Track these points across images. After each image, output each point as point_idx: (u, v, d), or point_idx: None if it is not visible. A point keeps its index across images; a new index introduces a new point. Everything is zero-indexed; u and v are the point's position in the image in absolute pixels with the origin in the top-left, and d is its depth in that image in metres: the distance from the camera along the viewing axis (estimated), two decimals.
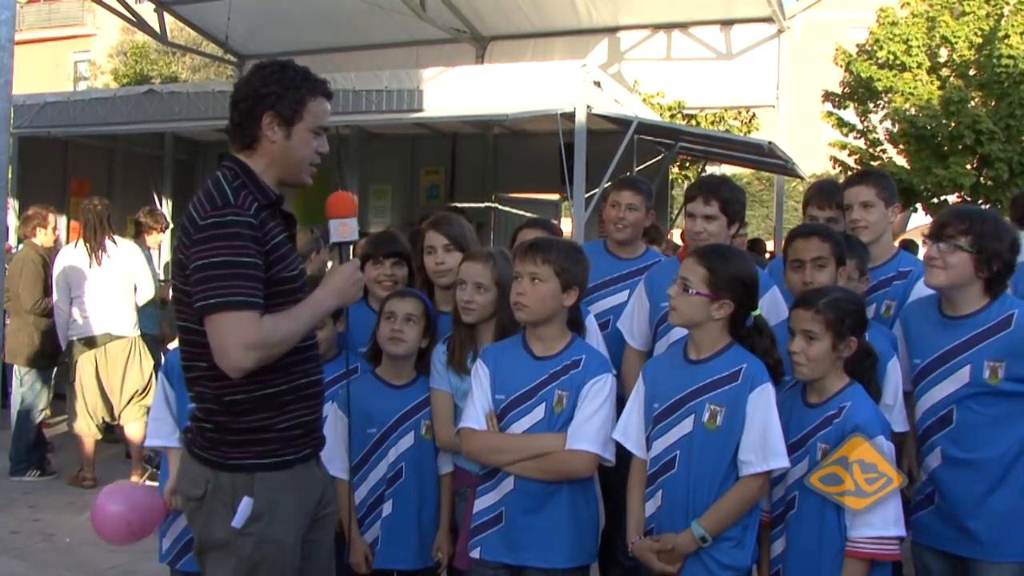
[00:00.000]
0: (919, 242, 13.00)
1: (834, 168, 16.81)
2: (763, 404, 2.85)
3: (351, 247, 2.83)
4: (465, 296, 3.31)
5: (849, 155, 16.52)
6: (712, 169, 14.58)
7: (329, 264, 4.95)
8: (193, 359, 2.62)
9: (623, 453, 3.12)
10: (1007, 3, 14.99)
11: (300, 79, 2.66)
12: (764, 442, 2.83)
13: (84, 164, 11.68)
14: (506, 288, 3.22)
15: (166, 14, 13.56)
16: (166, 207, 11.73)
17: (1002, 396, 3.03)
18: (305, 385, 2.68)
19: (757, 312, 2.96)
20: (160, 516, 3.40)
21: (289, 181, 2.72)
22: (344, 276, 2.71)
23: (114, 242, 6.72)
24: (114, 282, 6.64)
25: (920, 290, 3.58)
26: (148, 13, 13.50)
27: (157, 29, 13.53)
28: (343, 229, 2.79)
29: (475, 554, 3.08)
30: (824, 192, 4.25)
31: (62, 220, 10.20)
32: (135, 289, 6.80)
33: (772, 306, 3.63)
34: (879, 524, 2.75)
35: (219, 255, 2.44)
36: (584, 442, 2.99)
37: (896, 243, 4.68)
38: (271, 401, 2.59)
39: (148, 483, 3.60)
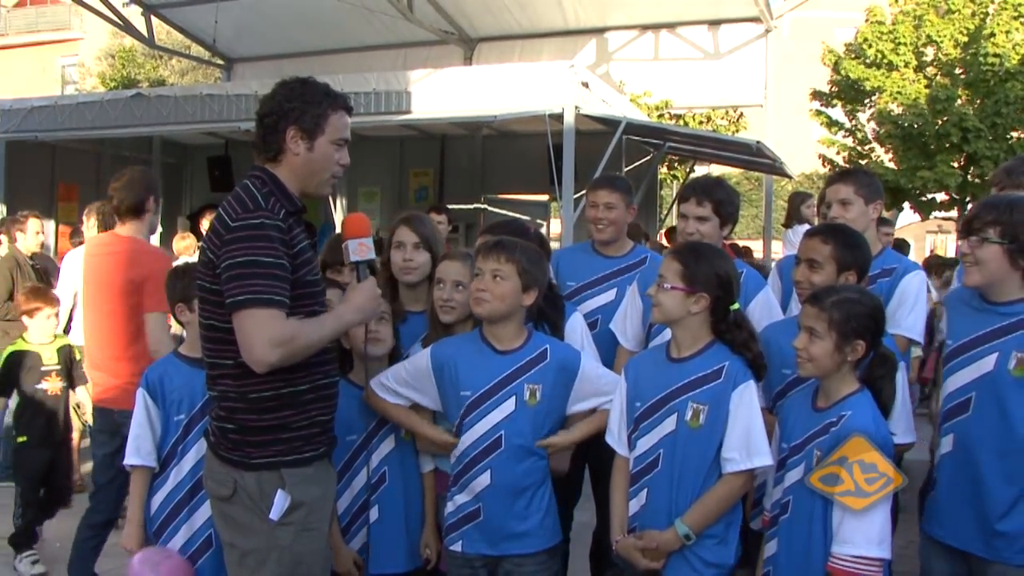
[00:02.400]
0: (912, 241, 13.10)
1: (824, 166, 16.86)
2: (746, 402, 2.86)
3: (368, 265, 2.92)
4: (444, 295, 3.35)
5: (837, 153, 16.58)
6: (701, 169, 14.60)
7: None
8: (218, 357, 2.73)
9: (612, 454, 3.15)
10: (992, 2, 15.06)
11: (321, 94, 2.79)
12: (748, 440, 2.84)
13: (72, 168, 11.67)
14: None
15: (153, 17, 13.56)
16: None
17: (1021, 390, 2.87)
18: (325, 385, 2.81)
19: (735, 307, 2.96)
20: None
21: (310, 192, 2.85)
22: (364, 293, 2.84)
23: None
24: None
25: (905, 289, 3.58)
26: (135, 17, 13.49)
27: (144, 33, 13.53)
28: (361, 249, 2.89)
29: (457, 548, 3.11)
30: None
31: (50, 224, 10.18)
32: None
33: (765, 306, 3.66)
34: (861, 543, 2.65)
35: (249, 255, 2.57)
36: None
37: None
38: (293, 399, 2.71)
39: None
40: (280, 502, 2.66)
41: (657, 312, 3.00)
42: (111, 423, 4.40)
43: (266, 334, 2.54)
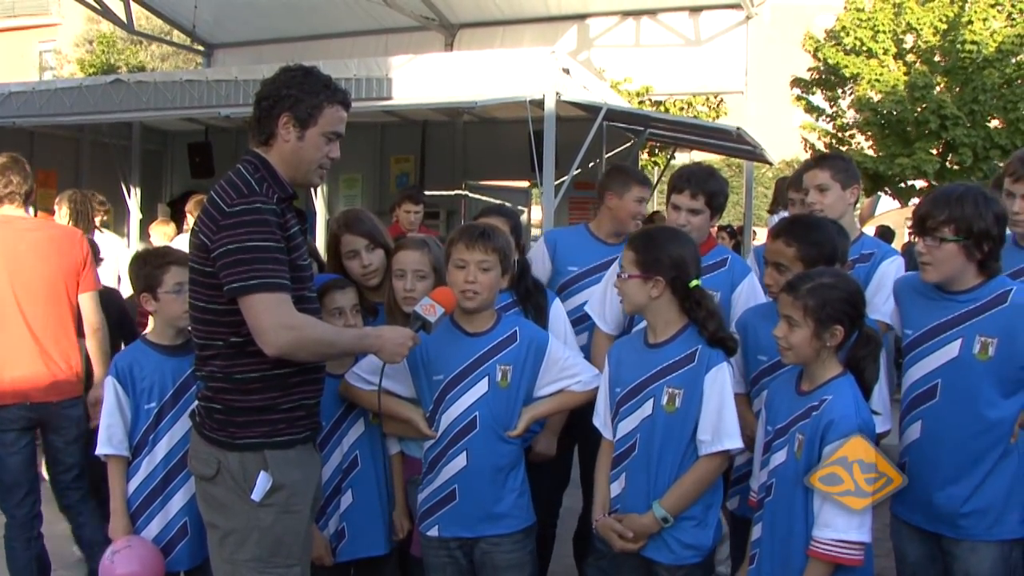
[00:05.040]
0: (894, 228, 13.17)
1: (805, 151, 16.94)
2: (719, 384, 2.90)
3: (423, 324, 2.92)
4: (407, 285, 3.37)
5: (819, 138, 16.67)
6: (682, 156, 14.62)
7: None
8: (208, 338, 2.74)
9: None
10: None
11: (320, 86, 2.80)
12: (719, 422, 2.88)
13: (50, 154, 11.56)
14: (441, 273, 3.28)
15: (132, 3, 13.42)
16: (134, 197, 11.63)
17: (986, 374, 2.91)
18: (311, 368, 2.82)
19: (695, 283, 2.98)
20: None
21: (297, 180, 2.85)
22: (398, 334, 2.85)
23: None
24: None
25: (883, 274, 3.61)
26: (114, 2, 13.34)
27: (123, 18, 13.39)
28: (430, 309, 2.92)
29: (433, 532, 3.13)
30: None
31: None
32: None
33: (751, 292, 3.70)
34: (841, 526, 2.66)
35: (251, 240, 2.59)
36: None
37: (871, 229, 4.66)
38: (279, 381, 2.73)
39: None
40: (262, 483, 2.68)
41: (625, 303, 3.07)
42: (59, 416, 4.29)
43: (276, 318, 2.58)
